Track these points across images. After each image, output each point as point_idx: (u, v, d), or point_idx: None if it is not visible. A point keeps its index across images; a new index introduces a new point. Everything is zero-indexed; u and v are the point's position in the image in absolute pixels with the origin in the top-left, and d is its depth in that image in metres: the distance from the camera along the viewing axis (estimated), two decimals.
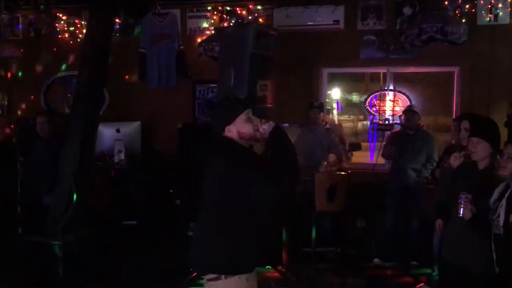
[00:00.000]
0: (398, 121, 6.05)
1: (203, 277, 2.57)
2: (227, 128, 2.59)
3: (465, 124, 3.99)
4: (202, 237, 2.60)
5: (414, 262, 5.25)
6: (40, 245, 4.66)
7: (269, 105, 5.19)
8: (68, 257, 4.64)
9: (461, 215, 2.96)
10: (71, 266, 4.64)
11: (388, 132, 5.93)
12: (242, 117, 2.59)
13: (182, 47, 6.70)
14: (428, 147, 5.28)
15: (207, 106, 6.92)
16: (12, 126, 7.09)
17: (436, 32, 4.98)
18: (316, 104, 5.69)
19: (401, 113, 6.08)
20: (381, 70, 6.48)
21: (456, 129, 4.34)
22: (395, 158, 5.39)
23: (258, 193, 2.50)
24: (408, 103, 6.06)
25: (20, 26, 7.34)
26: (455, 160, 3.37)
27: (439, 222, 4.03)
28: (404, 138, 5.34)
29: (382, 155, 5.67)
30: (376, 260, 5.32)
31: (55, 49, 7.21)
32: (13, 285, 4.49)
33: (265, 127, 2.58)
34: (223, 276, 2.48)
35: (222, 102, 2.88)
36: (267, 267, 5.22)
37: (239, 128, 2.59)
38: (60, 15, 7.18)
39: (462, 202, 2.95)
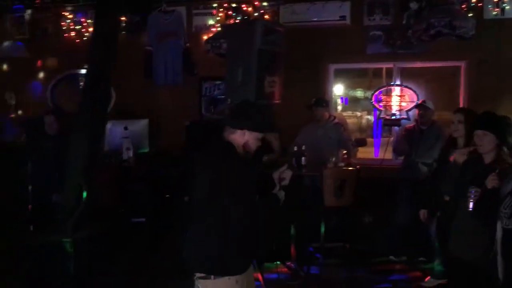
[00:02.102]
0: (405, 116, 6.04)
1: (194, 274, 2.59)
2: (242, 131, 2.59)
3: (458, 116, 4.00)
4: (193, 236, 2.62)
5: (422, 258, 5.24)
6: (51, 242, 4.69)
7: (277, 101, 5.21)
8: (78, 254, 4.67)
9: (470, 209, 2.97)
10: (81, 263, 4.67)
11: (396, 127, 5.92)
12: (260, 135, 2.64)
13: (188, 44, 6.72)
14: (440, 142, 5.25)
15: (213, 103, 6.93)
16: (20, 125, 7.13)
17: (444, 26, 4.97)
18: (313, 101, 5.68)
19: (408, 108, 6.10)
20: (388, 65, 6.47)
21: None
22: (408, 153, 5.38)
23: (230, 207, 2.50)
24: (415, 98, 6.04)
25: (27, 25, 7.35)
26: (460, 157, 3.37)
27: (423, 212, 4.08)
28: (417, 133, 5.32)
29: (394, 151, 5.65)
30: (391, 257, 5.32)
31: (61, 47, 7.24)
32: (25, 282, 4.52)
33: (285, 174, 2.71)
34: (212, 276, 2.51)
35: (255, 107, 2.86)
36: (276, 262, 5.25)
37: (250, 138, 2.61)
38: (66, 14, 7.19)
39: (472, 197, 2.96)
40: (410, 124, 5.72)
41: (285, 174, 2.74)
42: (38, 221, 4.60)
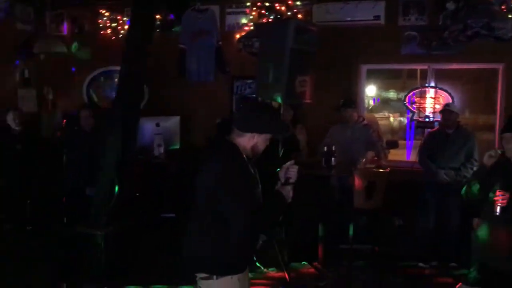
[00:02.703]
0: (439, 119, 5.92)
1: (196, 274, 2.57)
2: (252, 134, 2.53)
3: None
4: (194, 237, 2.59)
5: (453, 264, 5.14)
6: (84, 234, 4.81)
7: (308, 101, 5.19)
8: (110, 247, 4.77)
9: (497, 213, 2.91)
10: (112, 256, 4.78)
11: (427, 130, 5.82)
12: (268, 136, 2.59)
13: (220, 43, 6.76)
14: (468, 146, 5.16)
15: (242, 101, 6.95)
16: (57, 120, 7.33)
17: (482, 27, 4.85)
18: (341, 103, 5.64)
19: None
20: (422, 67, 6.35)
21: None
22: (432, 159, 5.28)
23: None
24: (450, 101, 5.92)
25: (65, 23, 7.55)
26: (488, 159, 3.29)
27: (476, 222, 3.95)
28: (442, 137, 5.25)
29: (419, 160, 5.53)
30: (420, 264, 5.24)
31: (97, 44, 7.42)
32: (58, 273, 4.65)
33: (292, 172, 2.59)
34: (214, 277, 2.49)
35: (267, 110, 2.75)
36: (303, 263, 5.24)
37: (259, 140, 2.56)
38: (103, 12, 7.35)
39: (500, 200, 2.90)
40: (434, 128, 5.62)
41: (291, 170, 2.61)
42: (72, 214, 4.74)
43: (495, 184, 3.02)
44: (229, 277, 2.50)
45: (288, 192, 2.58)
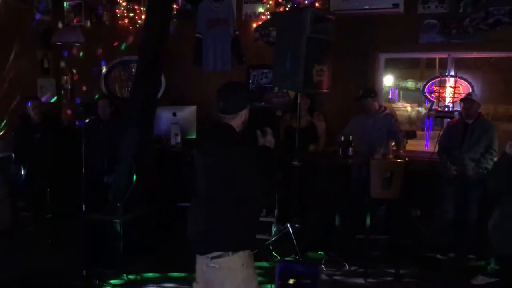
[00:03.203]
0: (459, 108, 5.84)
1: (206, 255, 2.69)
2: (241, 112, 2.77)
3: None
4: (208, 219, 2.69)
5: (471, 255, 5.09)
6: (102, 222, 4.88)
7: (325, 91, 5.17)
8: (127, 234, 4.84)
9: None
10: (130, 243, 4.84)
11: (448, 120, 5.73)
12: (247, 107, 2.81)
13: (237, 32, 6.74)
14: (488, 136, 5.07)
15: (260, 91, 6.93)
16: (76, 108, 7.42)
17: (504, 15, 4.75)
18: (360, 93, 5.59)
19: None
20: (442, 55, 6.24)
21: None
22: (450, 148, 5.21)
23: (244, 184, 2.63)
24: (470, 90, 5.83)
25: (83, 11, 7.60)
26: (511, 148, 3.23)
27: None
28: (461, 127, 5.17)
29: (438, 153, 5.46)
30: (438, 256, 5.20)
31: (114, 34, 7.45)
32: (77, 259, 4.74)
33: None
34: (230, 253, 2.64)
35: (242, 86, 3.11)
36: (319, 252, 5.24)
37: (246, 114, 2.80)
38: (120, 1, 7.37)
39: None
40: (454, 118, 5.54)
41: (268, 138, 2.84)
42: (90, 202, 4.81)
43: None
44: (242, 252, 2.67)
45: (271, 140, 2.83)
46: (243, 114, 2.78)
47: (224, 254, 2.63)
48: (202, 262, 2.74)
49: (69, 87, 7.72)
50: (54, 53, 7.63)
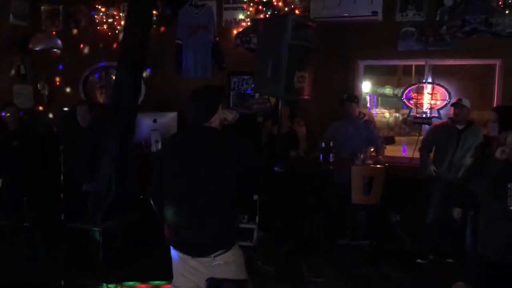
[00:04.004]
0: (436, 115, 5.93)
1: (209, 256, 2.78)
2: (214, 117, 2.84)
3: (493, 115, 3.90)
4: (199, 222, 2.77)
5: (450, 260, 5.15)
6: (81, 231, 4.80)
7: (306, 97, 5.20)
8: (107, 243, 4.77)
9: (510, 207, 2.92)
10: (110, 252, 4.77)
11: (427, 126, 5.81)
12: (220, 105, 2.88)
13: (217, 38, 6.75)
14: (478, 142, 5.11)
15: (241, 98, 6.94)
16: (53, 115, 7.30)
17: (480, 23, 4.85)
18: (345, 97, 5.64)
19: (439, 107, 5.99)
20: (420, 63, 6.35)
21: None
22: (440, 152, 5.26)
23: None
24: (447, 97, 5.94)
25: (60, 17, 7.50)
26: (502, 154, 3.29)
27: (457, 211, 3.97)
28: (453, 133, 5.16)
29: (420, 154, 5.51)
30: (418, 260, 5.25)
31: (93, 40, 7.38)
32: (55, 269, 4.64)
33: (233, 116, 2.93)
34: (232, 247, 2.81)
35: (206, 91, 3.00)
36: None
37: (220, 115, 2.87)
38: (99, 7, 7.31)
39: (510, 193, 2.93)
40: (440, 121, 5.61)
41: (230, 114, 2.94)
42: (69, 210, 4.73)
43: (507, 179, 3.02)
44: (237, 244, 2.87)
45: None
46: (217, 117, 2.84)
47: (227, 250, 2.78)
48: (197, 264, 2.81)
49: (47, 94, 7.60)
50: (31, 59, 7.51)
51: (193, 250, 2.82)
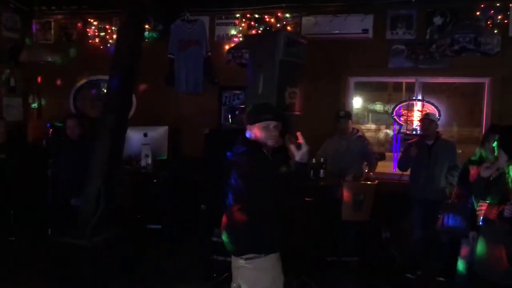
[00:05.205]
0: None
1: (242, 257, 3.00)
2: (247, 126, 3.05)
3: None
4: (238, 225, 2.99)
5: (441, 279, 5.13)
6: (69, 246, 4.72)
7: (297, 113, 5.20)
8: (95, 258, 4.70)
9: (480, 224, 2.95)
10: (98, 267, 4.70)
11: (407, 141, 5.84)
12: (262, 124, 3.01)
13: (209, 53, 6.77)
14: (450, 156, 5.15)
15: (231, 112, 6.95)
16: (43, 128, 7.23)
17: (469, 42, 4.93)
18: (342, 114, 5.66)
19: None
20: (410, 80, 6.42)
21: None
22: (414, 169, 5.28)
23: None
24: (437, 114, 5.98)
25: (52, 30, 7.49)
26: (485, 171, 3.31)
27: (473, 234, 3.92)
28: (424, 149, 5.18)
29: (398, 167, 5.52)
30: (407, 275, 5.23)
31: (85, 53, 7.37)
32: (43, 285, 4.56)
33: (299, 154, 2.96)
34: (262, 255, 2.95)
35: (257, 105, 3.21)
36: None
37: (254, 131, 3.02)
38: (91, 21, 7.31)
39: (482, 211, 2.96)
40: (412, 139, 5.61)
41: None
42: (56, 224, 4.66)
43: (490, 196, 3.04)
44: (273, 254, 3.00)
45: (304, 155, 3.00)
46: (251, 129, 3.06)
47: (258, 256, 2.99)
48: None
49: (37, 106, 7.55)
50: (22, 71, 7.47)
51: (232, 247, 3.09)
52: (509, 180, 2.95)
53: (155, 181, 6.11)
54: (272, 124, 3.03)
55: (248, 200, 2.95)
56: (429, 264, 5.25)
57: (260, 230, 2.95)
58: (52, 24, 7.51)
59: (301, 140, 2.94)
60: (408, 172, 5.44)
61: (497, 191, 3.10)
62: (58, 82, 7.52)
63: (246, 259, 2.97)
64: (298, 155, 2.92)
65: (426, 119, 5.24)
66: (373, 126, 10.50)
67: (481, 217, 3.01)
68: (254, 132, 3.01)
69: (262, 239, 2.97)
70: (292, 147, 2.95)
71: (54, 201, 5.06)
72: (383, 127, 10.06)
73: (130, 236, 5.29)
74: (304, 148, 2.92)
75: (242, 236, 2.99)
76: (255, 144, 3.00)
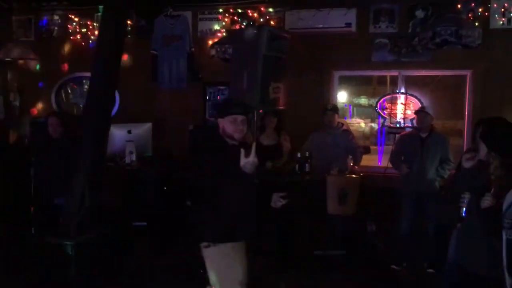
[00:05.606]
0: (410, 124, 6.01)
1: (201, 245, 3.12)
2: (218, 120, 3.18)
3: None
4: (196, 213, 3.19)
5: (430, 270, 5.17)
6: (53, 245, 4.67)
7: (281, 107, 5.22)
8: (80, 257, 4.65)
9: (463, 215, 2.98)
10: (83, 266, 4.66)
11: (398, 135, 5.87)
12: (230, 118, 3.09)
13: (193, 49, 6.73)
14: (443, 149, 5.18)
15: (215, 107, 6.92)
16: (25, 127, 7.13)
17: (450, 35, 4.98)
18: (329, 107, 5.66)
19: (412, 117, 6.06)
20: (393, 73, 6.46)
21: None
22: (409, 162, 5.29)
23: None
24: (420, 107, 6.03)
25: (33, 27, 7.38)
26: (466, 162, 3.33)
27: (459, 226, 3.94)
28: (417, 141, 5.20)
29: (391, 162, 5.54)
30: (393, 266, 5.27)
31: (66, 50, 7.27)
32: (26, 285, 4.51)
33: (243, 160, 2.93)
34: (217, 243, 3.07)
35: (231, 99, 3.42)
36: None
37: (223, 124, 3.12)
38: (73, 17, 7.22)
39: (464, 202, 2.98)
40: (405, 131, 5.62)
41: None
42: (39, 224, 4.60)
43: (473, 188, 3.06)
44: (224, 244, 3.07)
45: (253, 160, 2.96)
46: (220, 122, 3.14)
47: (210, 245, 3.10)
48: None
49: (18, 104, 7.43)
50: (2, 69, 7.35)
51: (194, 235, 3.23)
52: (492, 171, 2.97)
53: (140, 178, 6.07)
54: (239, 118, 3.12)
55: (204, 190, 3.06)
56: (416, 256, 5.29)
57: (212, 220, 3.07)
58: (33, 21, 7.39)
59: (252, 149, 2.93)
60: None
61: (480, 182, 3.12)
62: (40, 79, 7.41)
63: (203, 247, 3.10)
64: (242, 161, 2.91)
65: (421, 111, 5.24)
66: (357, 120, 10.54)
67: (463, 209, 3.02)
68: (223, 125, 3.13)
69: (215, 228, 3.07)
70: (243, 151, 2.95)
71: (36, 200, 4.99)
72: (368, 120, 10.09)
73: (116, 234, 5.25)
74: (250, 158, 2.89)
75: (199, 225, 3.17)
76: (218, 137, 3.14)
